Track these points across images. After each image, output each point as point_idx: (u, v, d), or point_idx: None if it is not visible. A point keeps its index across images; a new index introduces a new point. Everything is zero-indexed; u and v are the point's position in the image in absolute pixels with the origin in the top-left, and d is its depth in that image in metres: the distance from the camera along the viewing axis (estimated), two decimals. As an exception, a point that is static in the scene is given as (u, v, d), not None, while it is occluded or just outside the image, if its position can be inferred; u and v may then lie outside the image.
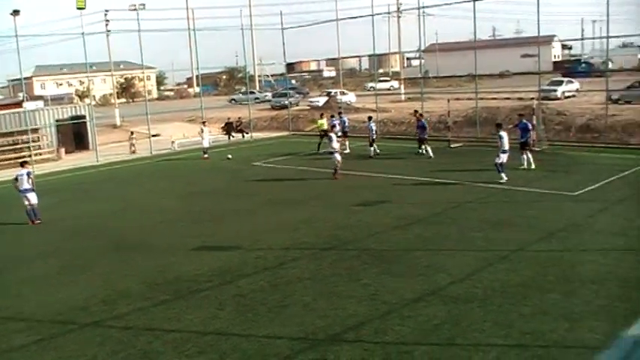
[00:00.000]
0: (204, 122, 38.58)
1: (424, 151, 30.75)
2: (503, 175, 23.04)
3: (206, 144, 36.44)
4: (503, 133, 23.44)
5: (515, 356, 9.76)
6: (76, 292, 14.21)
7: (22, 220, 21.59)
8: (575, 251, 14.79)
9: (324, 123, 35.47)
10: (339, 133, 32.87)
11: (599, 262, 13.90)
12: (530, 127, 26.17)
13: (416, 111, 34.43)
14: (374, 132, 32.52)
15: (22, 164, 22.68)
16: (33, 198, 21.70)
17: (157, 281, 14.54)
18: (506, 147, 23.21)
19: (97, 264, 16.40)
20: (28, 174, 21.88)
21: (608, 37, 34.55)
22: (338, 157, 26.46)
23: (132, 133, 42.45)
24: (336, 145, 26.65)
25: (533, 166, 25.33)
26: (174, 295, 13.56)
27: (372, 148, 31.85)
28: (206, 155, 35.96)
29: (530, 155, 25.51)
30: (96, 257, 17.05)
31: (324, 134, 33.21)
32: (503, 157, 23.18)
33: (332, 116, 35.90)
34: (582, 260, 14.09)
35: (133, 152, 40.27)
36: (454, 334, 10.59)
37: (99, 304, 13.33)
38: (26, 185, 21.57)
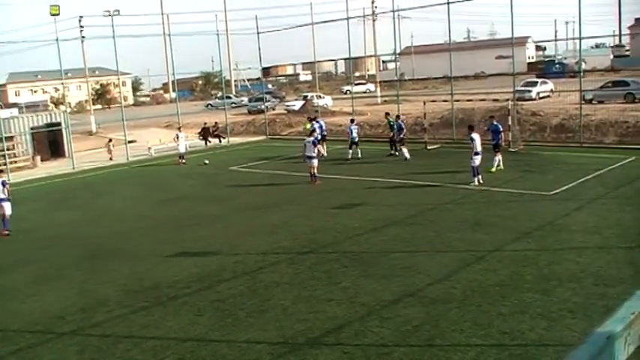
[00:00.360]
0: (179, 128, 38.53)
1: (398, 153, 30.89)
2: (475, 179, 23.07)
3: (182, 149, 36.38)
4: (475, 135, 23.48)
5: (495, 355, 9.81)
6: (52, 301, 14.07)
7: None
8: (551, 250, 14.92)
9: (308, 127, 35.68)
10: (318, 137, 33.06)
11: (576, 260, 14.03)
12: (501, 128, 26.10)
13: (387, 113, 34.44)
14: (354, 135, 32.41)
15: None
16: (7, 208, 21.35)
17: (134, 288, 14.44)
18: (479, 149, 23.24)
19: (73, 272, 16.26)
20: (3, 183, 21.55)
21: (580, 38, 35.02)
22: (315, 162, 26.30)
23: (110, 140, 42.16)
24: (314, 150, 26.48)
25: (501, 167, 25.36)
26: (152, 302, 13.48)
27: (350, 151, 31.87)
28: (183, 160, 35.88)
29: (500, 157, 25.48)
30: (72, 265, 16.89)
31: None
32: (477, 160, 23.25)
33: (312, 119, 35.98)
34: (559, 259, 14.22)
35: (110, 159, 39.94)
36: (433, 335, 10.63)
37: (77, 312, 13.21)
38: (0, 195, 21.28)
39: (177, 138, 36.75)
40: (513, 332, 10.49)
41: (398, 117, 32.87)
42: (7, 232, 21.09)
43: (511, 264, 14.05)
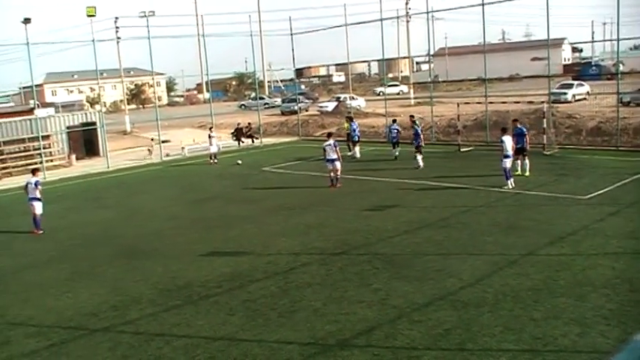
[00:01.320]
0: (211, 128, 38.84)
1: (414, 159, 29.20)
2: (509, 182, 22.84)
3: (214, 149, 36.68)
4: (506, 138, 23.24)
5: (527, 361, 9.71)
6: (86, 298, 14.26)
7: (30, 227, 21.60)
8: (586, 255, 14.70)
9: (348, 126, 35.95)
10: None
11: (611, 266, 13.81)
12: (525, 132, 25.46)
13: (412, 116, 33.84)
14: (394, 135, 32.05)
15: (33, 172, 22.66)
16: (38, 208, 21.51)
17: (167, 287, 14.57)
18: (509, 152, 22.98)
19: (107, 270, 16.46)
20: (36, 183, 21.75)
21: (618, 40, 34.37)
22: (338, 164, 25.73)
23: (152, 139, 43.00)
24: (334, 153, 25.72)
25: (527, 172, 24.89)
26: (184, 300, 13.58)
27: (393, 150, 32.07)
28: (215, 160, 36.15)
29: (527, 161, 25.03)
30: (106, 263, 17.10)
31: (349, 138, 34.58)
32: (507, 162, 22.95)
33: (351, 119, 36.18)
34: (593, 264, 14.01)
35: (150, 156, 40.84)
36: (464, 339, 10.55)
37: (109, 309, 13.37)
38: (32, 194, 21.54)
39: (210, 137, 37.08)
40: (546, 338, 10.36)
41: (414, 121, 31.78)
42: (40, 232, 21.35)
43: (544, 268, 13.88)
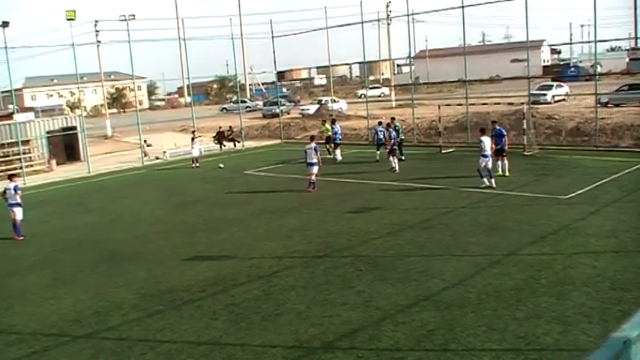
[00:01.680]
0: (193, 132, 38.81)
1: (391, 162, 29.08)
2: (485, 180, 23.13)
3: (196, 153, 36.69)
4: (484, 138, 23.54)
5: (510, 360, 9.78)
6: (68, 304, 14.16)
7: (10, 234, 21.38)
8: (567, 254, 14.82)
9: (329, 128, 35.96)
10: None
11: (591, 264, 13.94)
12: (504, 132, 25.78)
13: (393, 118, 33.26)
14: (380, 137, 31.61)
15: (10, 177, 22.29)
16: (19, 213, 21.21)
17: (150, 292, 14.51)
18: (487, 152, 23.26)
19: (89, 275, 16.35)
20: (15, 188, 21.42)
21: (596, 42, 34.81)
22: (315, 169, 25.73)
23: (145, 140, 42.90)
24: (315, 157, 25.80)
25: (507, 173, 25.17)
26: (167, 305, 13.53)
27: (377, 152, 31.87)
28: (197, 164, 36.11)
29: (507, 162, 25.31)
30: (88, 269, 16.99)
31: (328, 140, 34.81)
32: (484, 161, 23.19)
33: (333, 122, 36.23)
34: (574, 263, 14.13)
35: (145, 156, 40.99)
36: (448, 340, 10.60)
37: (92, 315, 13.29)
38: (12, 200, 21.24)
39: (193, 141, 37.06)
40: (529, 337, 10.45)
41: (389, 124, 31.44)
42: (21, 238, 21.11)
43: (526, 268, 13.98)
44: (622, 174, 24.20)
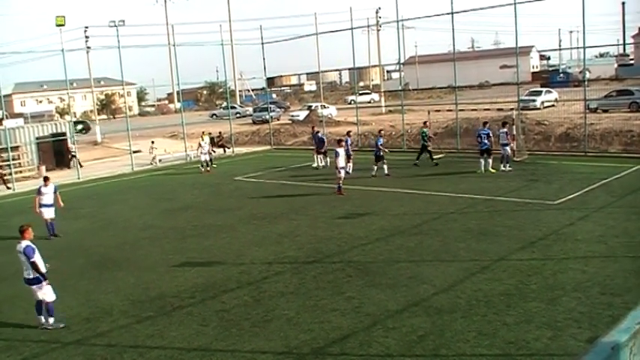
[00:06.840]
0: (202, 135, 38.14)
1: (375, 171, 29.08)
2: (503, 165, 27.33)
3: (205, 157, 36.24)
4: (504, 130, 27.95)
5: (500, 365, 9.79)
6: (57, 311, 14.06)
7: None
8: (556, 259, 14.89)
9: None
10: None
11: (581, 269, 14.01)
12: (490, 133, 27.89)
13: (425, 123, 33.04)
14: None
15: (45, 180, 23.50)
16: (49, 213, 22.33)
17: (140, 298, 14.46)
18: (506, 141, 27.65)
19: (78, 282, 16.28)
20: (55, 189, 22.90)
21: (585, 48, 34.89)
22: (342, 173, 25.71)
23: (152, 142, 42.88)
24: (341, 161, 25.82)
25: (492, 170, 27.32)
26: (157, 311, 13.49)
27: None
28: (208, 168, 36.03)
29: (490, 160, 27.48)
30: (78, 275, 16.91)
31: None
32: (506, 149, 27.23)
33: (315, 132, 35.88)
34: (564, 268, 14.19)
35: (153, 159, 41.13)
36: (438, 345, 10.62)
37: (81, 322, 13.24)
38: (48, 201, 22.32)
39: (200, 146, 36.58)
40: (519, 342, 10.47)
41: (379, 131, 32.23)
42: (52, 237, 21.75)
43: (516, 273, 14.02)
44: (611, 179, 24.30)
